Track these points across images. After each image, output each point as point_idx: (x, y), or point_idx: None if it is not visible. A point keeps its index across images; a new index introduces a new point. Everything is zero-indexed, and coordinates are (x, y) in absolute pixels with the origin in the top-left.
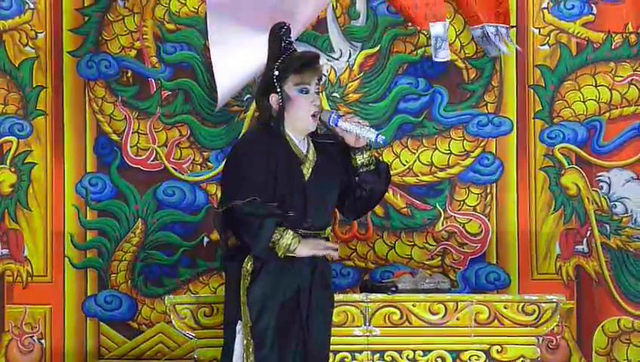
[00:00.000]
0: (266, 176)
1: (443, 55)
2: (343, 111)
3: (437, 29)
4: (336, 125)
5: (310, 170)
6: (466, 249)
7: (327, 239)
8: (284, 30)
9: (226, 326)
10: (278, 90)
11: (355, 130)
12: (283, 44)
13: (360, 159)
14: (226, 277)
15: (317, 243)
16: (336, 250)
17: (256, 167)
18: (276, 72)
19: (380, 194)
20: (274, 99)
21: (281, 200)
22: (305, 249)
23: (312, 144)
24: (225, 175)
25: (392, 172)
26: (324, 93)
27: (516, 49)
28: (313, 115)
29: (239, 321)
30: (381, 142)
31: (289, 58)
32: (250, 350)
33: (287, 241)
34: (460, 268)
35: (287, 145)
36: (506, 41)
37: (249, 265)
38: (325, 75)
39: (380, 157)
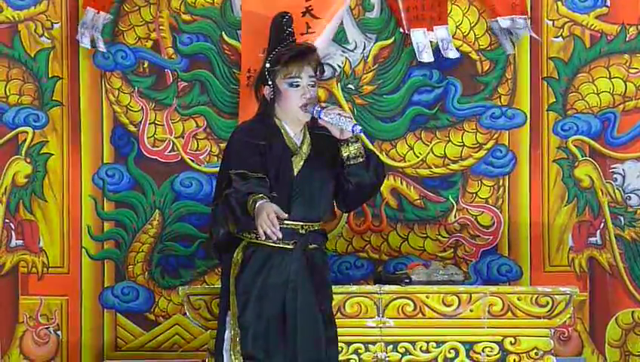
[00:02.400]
0: (258, 159)
1: (453, 54)
2: (354, 104)
3: (441, 32)
4: (320, 117)
5: (302, 162)
6: (478, 241)
7: (321, 232)
8: (285, 20)
9: (219, 316)
10: (269, 82)
11: (334, 121)
12: (282, 35)
13: (346, 151)
14: (222, 269)
15: (265, 218)
16: (275, 235)
17: (249, 151)
18: (267, 65)
19: (371, 188)
20: (267, 91)
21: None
22: (258, 218)
23: (308, 136)
24: (221, 163)
25: (405, 163)
26: (338, 84)
27: (532, 37)
28: (303, 105)
29: (229, 311)
30: (357, 132)
31: (281, 51)
32: (237, 340)
33: (254, 197)
34: (472, 260)
35: (281, 136)
36: (519, 33)
37: (239, 255)
38: (340, 67)
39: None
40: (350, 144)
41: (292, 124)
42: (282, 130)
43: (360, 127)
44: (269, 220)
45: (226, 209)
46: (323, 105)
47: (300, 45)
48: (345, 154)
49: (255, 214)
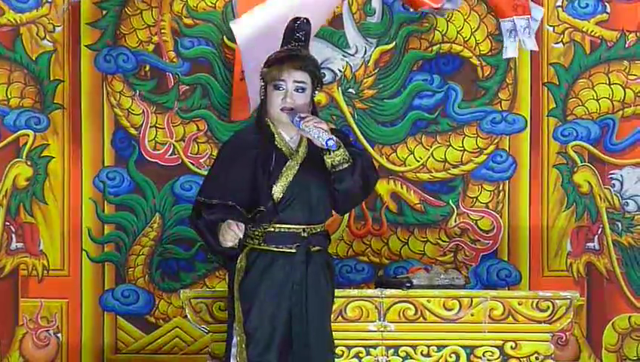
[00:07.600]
0: (233, 175)
1: (530, 44)
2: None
3: (536, 12)
4: (299, 128)
5: (298, 166)
6: (478, 245)
7: (323, 234)
8: (297, 24)
9: (227, 322)
10: (262, 84)
11: (311, 133)
12: (289, 39)
13: (329, 159)
14: (227, 275)
15: (225, 230)
16: (236, 239)
17: (225, 165)
18: (263, 67)
19: (360, 191)
20: (261, 92)
21: (257, 196)
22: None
23: (305, 139)
24: (210, 168)
25: (405, 168)
26: (339, 88)
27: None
28: (283, 109)
29: (235, 317)
30: (330, 146)
31: (274, 53)
32: (243, 346)
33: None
34: (471, 265)
35: (274, 142)
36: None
37: (242, 261)
38: (341, 71)
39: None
40: (332, 152)
41: (286, 127)
42: (276, 135)
43: (333, 142)
44: (230, 229)
45: (198, 233)
46: (302, 115)
47: (290, 49)
48: (329, 162)
49: (221, 231)
